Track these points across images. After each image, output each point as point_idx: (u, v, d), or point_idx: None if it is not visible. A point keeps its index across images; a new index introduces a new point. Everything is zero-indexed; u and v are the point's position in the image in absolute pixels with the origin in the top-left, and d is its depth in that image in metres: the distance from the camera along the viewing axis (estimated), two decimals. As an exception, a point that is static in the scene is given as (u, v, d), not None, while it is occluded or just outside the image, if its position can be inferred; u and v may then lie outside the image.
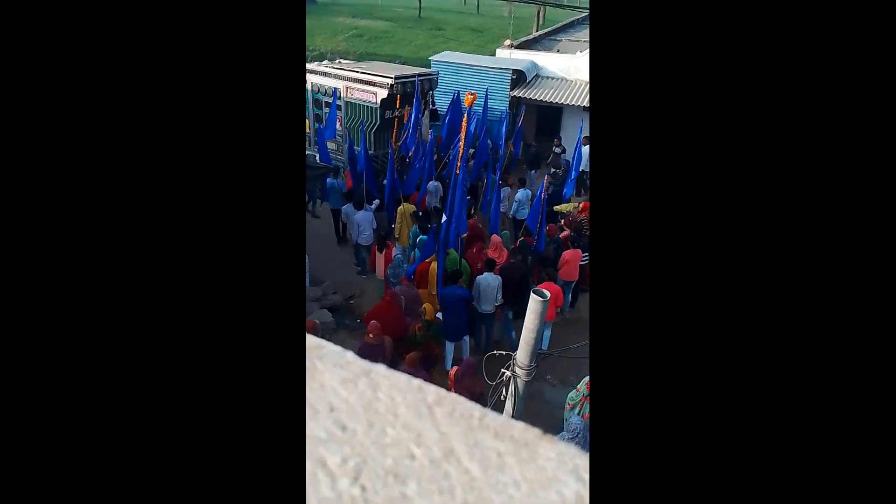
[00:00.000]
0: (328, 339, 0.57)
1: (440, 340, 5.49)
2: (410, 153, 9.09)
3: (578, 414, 4.48)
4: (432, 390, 0.49)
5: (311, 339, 0.55)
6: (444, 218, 6.10)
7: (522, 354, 3.91)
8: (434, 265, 6.32)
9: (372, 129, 10.08)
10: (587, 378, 4.70)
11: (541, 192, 7.03)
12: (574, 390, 4.79)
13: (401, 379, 0.50)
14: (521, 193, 8.92)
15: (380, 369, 0.51)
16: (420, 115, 9.58)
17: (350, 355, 0.52)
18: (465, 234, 6.67)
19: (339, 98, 10.21)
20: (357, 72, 10.57)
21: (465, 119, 6.28)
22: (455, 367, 4.94)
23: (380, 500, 0.38)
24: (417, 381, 0.49)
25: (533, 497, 0.39)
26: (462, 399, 0.48)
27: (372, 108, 10.22)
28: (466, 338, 6.36)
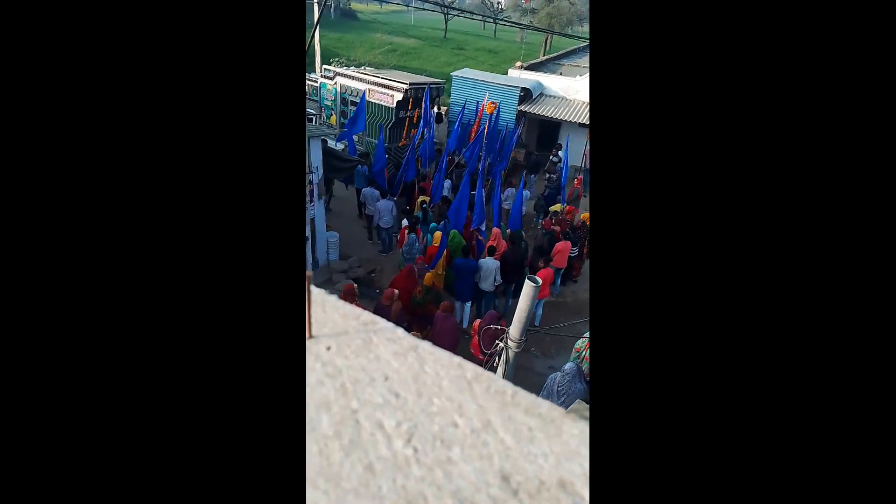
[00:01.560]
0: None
1: (436, 303, 5.67)
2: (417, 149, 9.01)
3: (576, 359, 4.55)
4: (470, 367, 0.48)
5: (365, 315, 0.53)
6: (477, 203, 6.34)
7: (514, 330, 3.91)
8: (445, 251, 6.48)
9: (388, 125, 10.09)
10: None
11: (520, 192, 7.44)
12: (580, 339, 4.82)
13: (443, 355, 0.48)
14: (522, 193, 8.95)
15: (425, 346, 0.49)
16: (431, 117, 9.58)
17: (400, 331, 0.51)
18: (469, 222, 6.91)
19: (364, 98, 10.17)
20: (378, 77, 10.58)
21: (487, 124, 6.28)
22: (478, 320, 5.18)
23: (429, 461, 0.38)
24: (458, 359, 0.48)
25: (559, 468, 0.38)
26: (495, 377, 0.47)
27: (389, 108, 10.26)
28: (468, 305, 6.47)
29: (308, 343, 0.49)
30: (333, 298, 0.55)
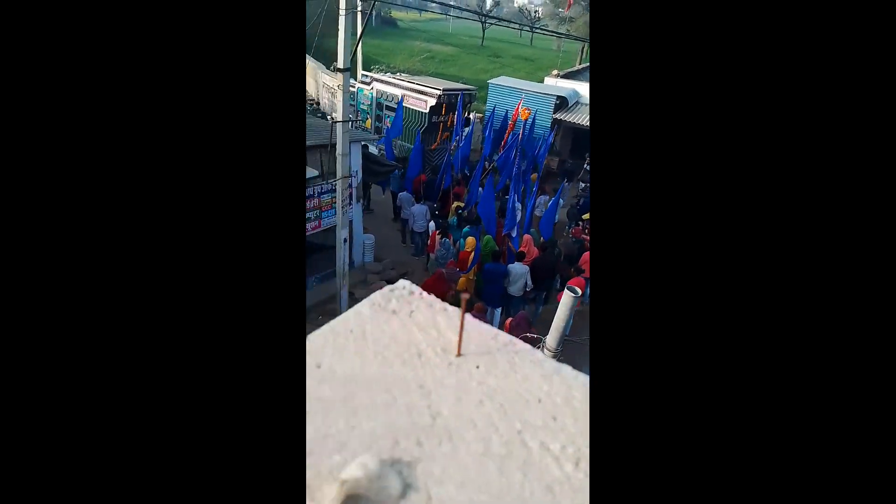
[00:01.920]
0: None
1: (468, 307, 5.68)
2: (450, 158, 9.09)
3: None
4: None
5: (503, 336, 0.55)
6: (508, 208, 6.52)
7: (552, 339, 3.89)
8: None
9: (422, 130, 10.23)
10: None
11: (555, 201, 7.55)
12: None
13: (587, 381, 0.50)
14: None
15: (567, 370, 0.51)
16: (463, 122, 9.80)
17: (539, 354, 0.53)
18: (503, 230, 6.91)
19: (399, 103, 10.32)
20: (412, 83, 10.75)
21: (521, 130, 6.28)
22: (510, 319, 5.19)
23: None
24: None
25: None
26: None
27: (422, 113, 10.41)
28: (498, 311, 6.49)
29: (457, 361, 0.50)
30: (468, 317, 0.57)
